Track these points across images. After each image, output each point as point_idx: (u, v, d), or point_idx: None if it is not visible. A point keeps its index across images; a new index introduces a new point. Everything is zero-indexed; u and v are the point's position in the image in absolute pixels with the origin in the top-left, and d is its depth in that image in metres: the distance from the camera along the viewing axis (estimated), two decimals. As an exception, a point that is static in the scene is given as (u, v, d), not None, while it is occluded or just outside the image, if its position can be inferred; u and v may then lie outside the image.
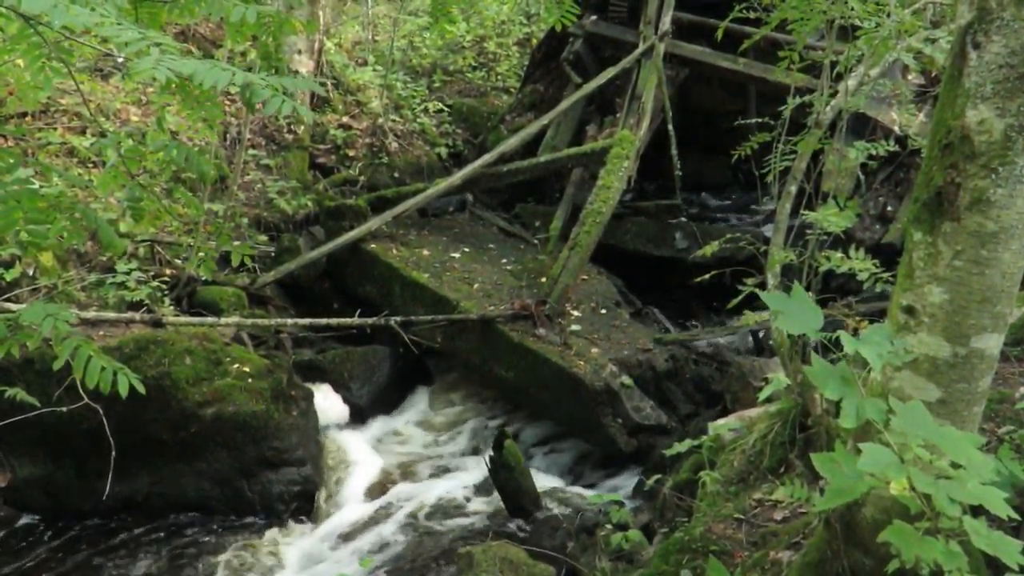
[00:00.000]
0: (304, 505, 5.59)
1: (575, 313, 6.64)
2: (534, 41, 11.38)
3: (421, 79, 10.80)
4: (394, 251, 7.30)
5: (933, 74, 6.46)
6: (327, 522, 5.54)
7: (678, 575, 3.11)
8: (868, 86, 4.28)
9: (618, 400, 5.83)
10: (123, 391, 2.68)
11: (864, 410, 1.64)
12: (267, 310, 6.91)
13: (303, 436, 5.71)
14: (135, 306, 5.89)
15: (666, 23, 7.99)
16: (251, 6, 2.55)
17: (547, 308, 6.38)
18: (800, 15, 3.79)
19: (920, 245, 2.00)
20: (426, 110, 9.80)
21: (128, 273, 5.98)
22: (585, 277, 7.21)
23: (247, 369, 5.56)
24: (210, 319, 5.98)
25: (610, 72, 8.08)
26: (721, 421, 4.54)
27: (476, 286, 6.88)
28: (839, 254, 3.67)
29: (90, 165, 6.51)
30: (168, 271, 6.38)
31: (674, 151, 8.15)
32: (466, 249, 7.58)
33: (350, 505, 5.68)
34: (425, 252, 7.39)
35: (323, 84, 8.80)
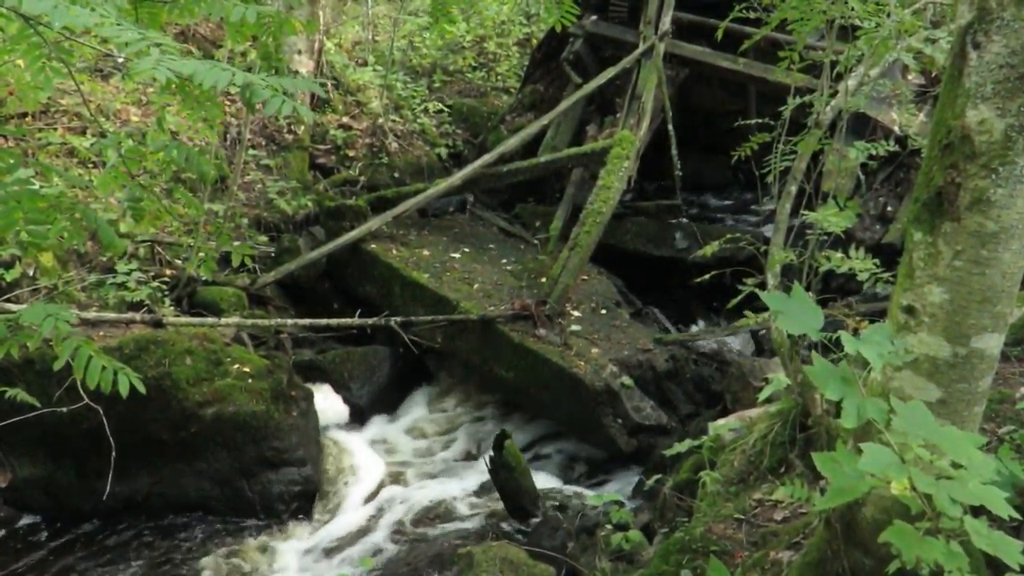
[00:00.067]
0: (304, 505, 5.59)
1: (575, 313, 6.64)
2: (534, 41, 11.38)
3: (421, 79, 10.80)
4: (394, 251, 7.30)
5: (933, 74, 6.46)
6: (327, 522, 5.54)
7: (678, 575, 3.11)
8: (868, 86, 4.28)
9: (618, 400, 5.83)
10: (124, 391, 2.68)
11: (865, 410, 1.64)
12: (267, 310, 6.91)
13: (303, 436, 5.71)
14: (135, 306, 5.89)
15: (666, 23, 7.99)
16: (251, 6, 2.55)
17: (547, 308, 6.38)
18: (800, 15, 3.78)
19: (920, 245, 2.00)
20: (426, 110, 9.80)
21: (128, 273, 5.98)
22: (585, 277, 7.21)
23: (247, 369, 5.56)
24: (210, 319, 5.98)
25: (610, 72, 8.09)
26: (721, 421, 4.54)
27: (476, 286, 6.88)
28: (839, 254, 3.67)
29: (90, 165, 6.51)
30: (168, 271, 6.38)
31: (674, 151, 8.15)
32: (466, 249, 7.58)
33: (350, 505, 5.68)
34: (425, 252, 7.39)
35: (323, 84, 8.80)
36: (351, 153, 8.79)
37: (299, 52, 8.55)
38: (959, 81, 1.87)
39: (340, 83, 9.34)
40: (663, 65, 7.96)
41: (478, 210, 8.57)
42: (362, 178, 8.59)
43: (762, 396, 3.68)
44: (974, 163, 1.85)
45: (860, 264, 3.57)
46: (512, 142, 7.96)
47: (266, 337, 6.54)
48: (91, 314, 5.55)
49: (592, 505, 5.20)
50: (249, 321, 6.20)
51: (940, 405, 2.02)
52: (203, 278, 6.30)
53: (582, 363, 5.97)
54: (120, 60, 6.61)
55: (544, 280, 6.84)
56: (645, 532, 4.34)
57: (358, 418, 6.53)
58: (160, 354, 5.34)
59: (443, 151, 9.50)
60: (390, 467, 6.14)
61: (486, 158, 7.82)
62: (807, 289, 3.18)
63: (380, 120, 9.08)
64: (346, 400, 6.49)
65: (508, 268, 7.33)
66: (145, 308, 5.90)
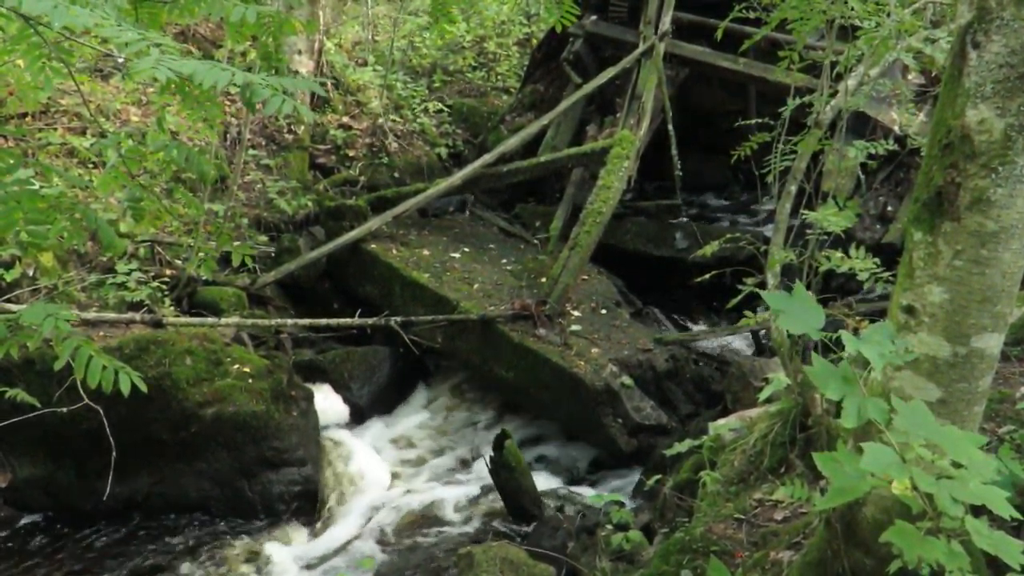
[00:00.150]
0: (304, 505, 5.59)
1: (575, 313, 6.64)
2: (534, 41, 11.38)
3: (421, 79, 10.80)
4: (394, 251, 7.30)
5: (933, 74, 6.46)
6: (327, 522, 5.54)
7: (678, 575, 3.11)
8: (868, 86, 4.28)
9: (618, 400, 5.83)
10: (125, 389, 2.68)
11: (866, 410, 1.63)
12: (267, 310, 6.91)
13: (303, 436, 5.71)
14: (135, 306, 5.89)
15: (666, 23, 7.99)
16: (251, 6, 2.55)
17: (547, 308, 6.38)
18: (800, 15, 3.78)
19: (920, 245, 2.00)
20: (426, 110, 9.80)
21: (128, 274, 5.98)
22: (585, 277, 7.21)
23: (247, 369, 5.56)
24: (210, 319, 5.98)
25: (610, 72, 8.09)
26: (721, 421, 4.54)
27: (476, 286, 6.88)
28: (839, 254, 3.67)
29: (90, 165, 6.51)
30: (168, 271, 6.38)
31: (674, 151, 8.15)
32: (466, 249, 7.58)
33: (351, 505, 5.68)
34: (425, 252, 7.39)
35: (323, 84, 8.80)
36: (351, 153, 8.79)
37: (299, 52, 8.55)
38: (959, 81, 1.87)
39: (340, 83, 9.34)
40: (663, 65, 7.96)
41: (478, 210, 8.57)
42: (362, 178, 8.59)
43: (762, 396, 3.68)
44: (974, 163, 1.85)
45: (860, 264, 3.57)
46: (512, 142, 7.96)
47: (266, 337, 6.54)
48: (91, 314, 5.55)
49: (592, 505, 5.20)
50: (249, 321, 6.20)
51: (940, 405, 2.02)
52: (203, 278, 6.30)
53: (582, 363, 5.97)
54: (120, 60, 6.61)
55: (544, 280, 6.84)
56: (645, 532, 4.34)
57: (358, 418, 6.53)
58: (160, 354, 5.34)
59: (443, 151, 9.50)
60: (390, 467, 6.14)
61: (486, 158, 7.82)
62: (807, 289, 3.18)
63: (380, 120, 9.08)
64: (346, 400, 6.49)
65: (508, 268, 7.33)
66: (145, 308, 5.90)
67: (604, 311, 6.81)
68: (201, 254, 6.02)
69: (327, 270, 7.47)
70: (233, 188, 7.01)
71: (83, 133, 6.69)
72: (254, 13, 2.51)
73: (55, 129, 6.58)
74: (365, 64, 10.41)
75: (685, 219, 8.58)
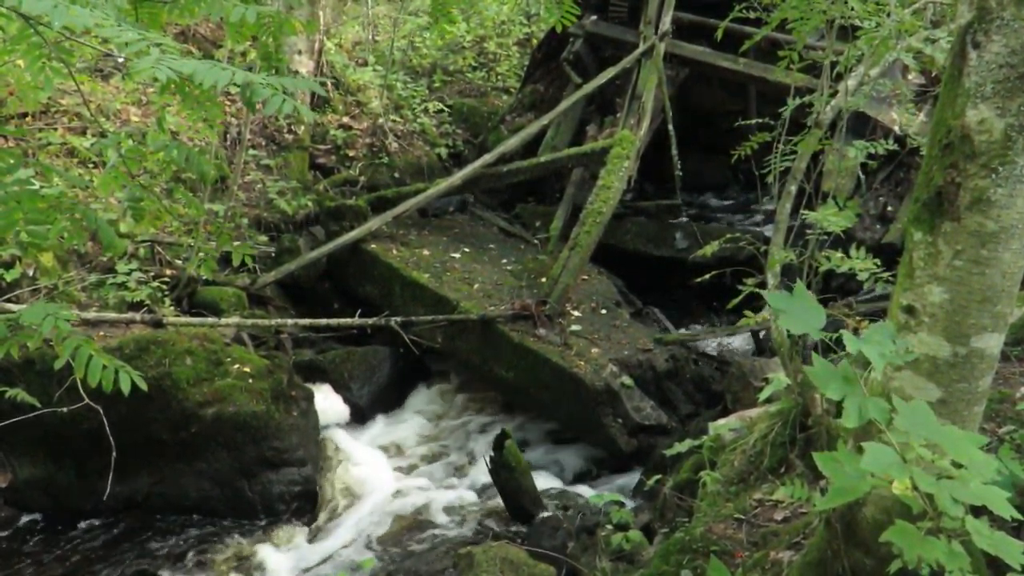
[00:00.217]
0: (304, 505, 5.59)
1: (575, 313, 6.64)
2: (534, 41, 11.38)
3: (421, 79, 10.80)
4: (394, 251, 7.31)
5: (933, 74, 6.46)
6: (327, 522, 5.54)
7: (678, 575, 3.11)
8: (868, 86, 4.27)
9: (618, 400, 5.83)
10: (125, 389, 2.68)
11: (867, 410, 1.63)
12: (267, 310, 6.91)
13: (303, 436, 5.71)
14: (135, 306, 5.89)
15: (666, 23, 7.99)
16: (251, 6, 2.55)
17: (547, 308, 6.38)
18: (800, 15, 3.78)
19: (920, 245, 2.00)
20: (426, 110, 9.80)
21: (128, 274, 5.98)
22: (585, 277, 7.21)
23: (247, 369, 5.56)
24: (210, 319, 5.98)
25: (610, 72, 8.09)
26: (721, 421, 4.54)
27: (476, 286, 6.88)
28: (839, 254, 3.67)
29: (90, 165, 6.51)
30: (168, 271, 6.38)
31: (674, 151, 8.15)
32: (466, 249, 7.58)
33: (350, 505, 5.68)
34: (425, 252, 7.39)
35: (323, 84, 8.80)
36: (351, 153, 8.79)
37: (299, 52, 8.55)
38: (959, 81, 1.87)
39: (340, 83, 9.34)
40: (663, 65, 7.96)
41: (478, 210, 8.57)
42: (362, 178, 8.59)
43: (762, 396, 3.68)
44: (974, 163, 1.85)
45: (860, 264, 3.57)
46: (512, 142, 7.96)
47: (266, 337, 6.54)
48: (91, 314, 5.55)
49: (592, 505, 5.21)
50: (249, 321, 6.20)
51: (940, 405, 2.02)
52: (203, 278, 6.30)
53: (582, 363, 5.97)
54: (120, 60, 6.61)
55: (544, 280, 6.84)
56: (645, 532, 4.34)
57: (358, 418, 6.53)
58: (160, 354, 5.34)
59: (443, 151, 9.50)
60: (390, 467, 6.13)
61: (486, 158, 7.82)
62: (807, 289, 3.17)
63: (380, 120, 9.08)
64: (346, 400, 6.49)
65: (508, 268, 7.33)
66: (145, 308, 5.90)
67: (604, 311, 6.81)
68: (201, 254, 6.02)
69: (327, 270, 7.47)
70: (233, 188, 7.01)
71: (83, 133, 6.69)
72: (254, 13, 2.51)
73: (55, 129, 6.58)
74: (365, 64, 10.41)
75: (685, 219, 8.58)
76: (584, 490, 5.75)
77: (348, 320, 6.52)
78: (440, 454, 6.36)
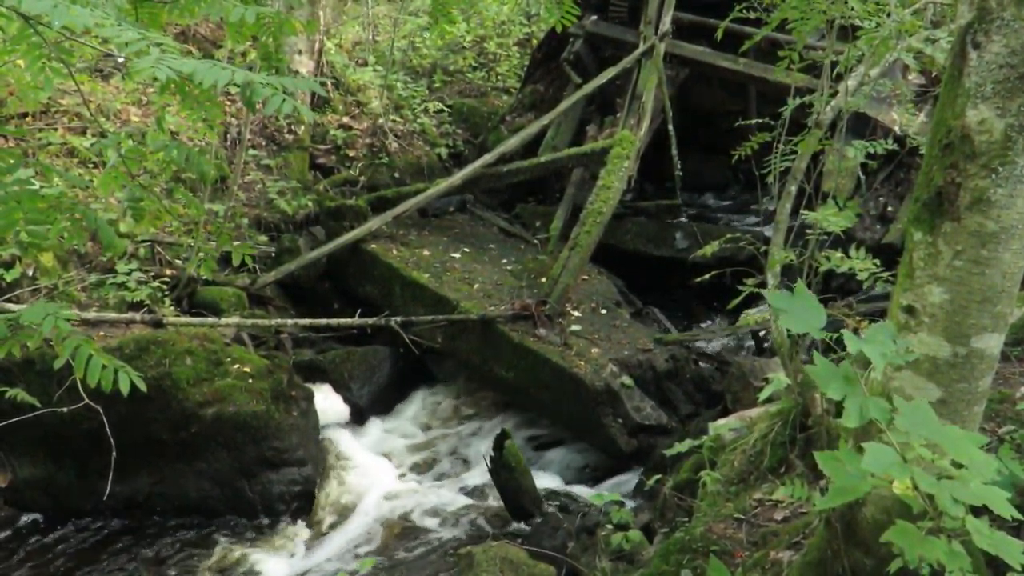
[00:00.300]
0: (304, 505, 5.59)
1: (575, 313, 6.64)
2: (534, 41, 11.38)
3: (421, 79, 10.80)
4: (394, 251, 7.31)
5: (933, 74, 6.46)
6: (327, 522, 5.54)
7: (679, 575, 3.11)
8: (868, 86, 4.27)
9: (618, 400, 5.83)
10: (124, 389, 2.67)
11: (867, 409, 1.63)
12: (267, 310, 6.91)
13: (303, 436, 5.71)
14: (136, 306, 5.89)
15: (666, 23, 7.99)
16: (251, 7, 2.55)
17: (547, 308, 6.38)
18: (800, 15, 3.78)
19: (920, 245, 2.00)
20: (426, 110, 9.80)
21: (128, 273, 5.98)
22: (585, 277, 7.21)
23: (247, 369, 5.56)
24: (210, 319, 5.98)
25: (610, 72, 8.09)
26: (721, 421, 4.54)
27: (476, 286, 6.88)
28: (839, 254, 3.67)
29: (90, 165, 6.51)
30: (168, 271, 6.38)
31: (674, 151, 8.15)
32: (466, 249, 7.58)
33: (350, 505, 5.68)
34: (425, 252, 7.39)
35: (323, 84, 8.80)
36: (351, 153, 8.79)
37: (299, 52, 8.55)
38: (959, 81, 1.87)
39: (340, 83, 9.34)
40: (663, 65, 7.96)
41: (478, 210, 8.57)
42: (362, 178, 8.59)
43: (762, 396, 3.68)
44: (974, 163, 1.85)
45: (860, 264, 3.57)
46: (512, 142, 7.96)
47: (266, 337, 6.54)
48: (91, 314, 5.55)
49: (592, 505, 5.20)
50: (249, 321, 6.20)
51: (940, 405, 2.02)
52: (203, 278, 6.30)
53: (582, 363, 5.97)
54: (120, 60, 6.61)
55: (544, 280, 6.84)
56: (645, 532, 4.34)
57: (358, 418, 6.53)
58: (160, 354, 5.34)
59: (443, 151, 9.50)
60: (390, 467, 6.14)
61: (486, 158, 7.82)
62: (807, 289, 3.17)
63: (380, 120, 9.08)
64: (346, 400, 6.49)
65: (508, 268, 7.33)
66: (145, 308, 5.90)
67: (604, 311, 6.81)
68: (201, 254, 6.03)
69: (327, 270, 7.47)
70: (233, 188, 7.01)
71: (83, 133, 6.69)
72: (254, 13, 2.51)
73: (55, 129, 6.58)
74: (365, 64, 10.41)
75: (685, 219, 8.58)
76: (584, 490, 5.75)
77: (348, 320, 6.52)
78: (440, 454, 6.36)
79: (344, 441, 6.26)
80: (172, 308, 6.09)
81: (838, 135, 4.24)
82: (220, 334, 5.82)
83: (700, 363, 6.64)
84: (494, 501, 5.58)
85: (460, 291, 6.76)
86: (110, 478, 4.11)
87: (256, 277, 6.92)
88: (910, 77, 7.02)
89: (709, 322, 7.74)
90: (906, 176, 7.11)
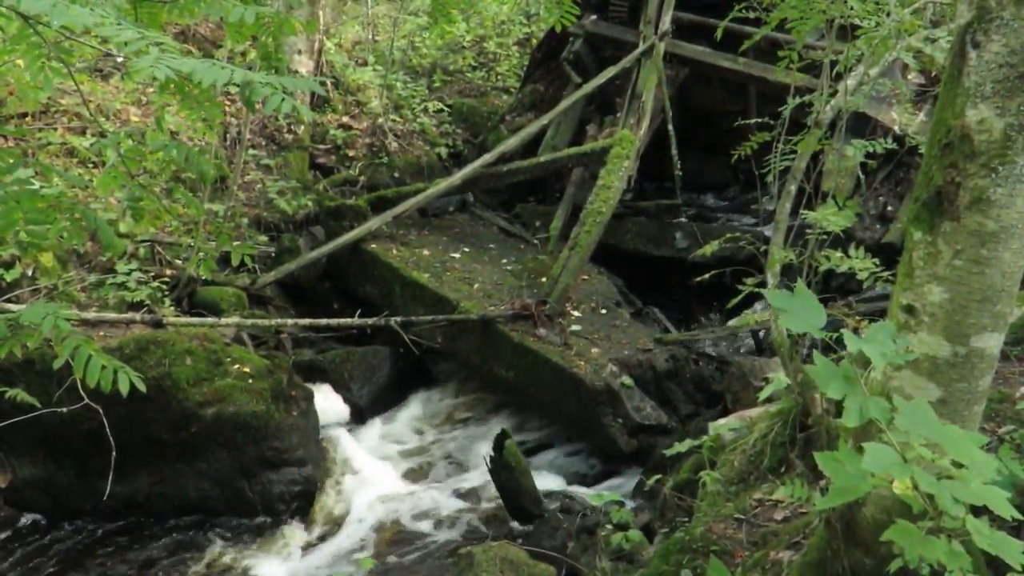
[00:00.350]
0: (304, 505, 5.59)
1: (575, 313, 6.64)
2: (534, 41, 11.38)
3: (421, 79, 10.80)
4: (394, 251, 7.30)
5: (933, 74, 6.46)
6: (327, 522, 5.54)
7: (679, 575, 3.11)
8: (868, 86, 4.27)
9: (618, 400, 5.83)
10: (124, 389, 2.67)
11: (868, 409, 1.63)
12: (267, 310, 6.91)
13: (303, 436, 5.71)
14: (135, 307, 5.89)
15: (666, 23, 7.99)
16: (250, 7, 2.55)
17: (547, 308, 6.38)
18: (800, 15, 3.78)
19: (920, 244, 2.00)
20: (426, 110, 9.80)
21: (128, 274, 5.98)
22: (585, 277, 7.21)
23: (247, 369, 5.56)
24: (210, 319, 5.98)
25: (610, 72, 8.09)
26: (721, 421, 4.54)
27: (476, 286, 6.88)
28: (839, 254, 3.67)
29: (90, 165, 6.51)
30: (168, 271, 6.38)
31: (674, 151, 8.15)
32: (466, 249, 7.58)
33: (350, 505, 5.68)
34: (425, 252, 7.39)
35: (323, 84, 8.80)
36: (351, 153, 8.79)
37: (299, 52, 8.55)
38: (959, 80, 1.87)
39: (340, 83, 9.34)
40: (663, 65, 7.96)
41: (478, 210, 8.57)
42: (362, 178, 8.58)
43: (762, 396, 3.68)
44: (974, 162, 1.85)
45: (860, 263, 3.56)
46: (512, 142, 7.96)
47: (266, 337, 6.54)
48: (91, 314, 5.55)
49: (592, 505, 5.19)
50: (249, 321, 6.20)
51: (940, 404, 2.02)
52: (203, 278, 6.30)
53: (582, 363, 5.97)
54: (120, 60, 6.61)
55: (544, 280, 6.84)
56: (645, 532, 4.34)
57: (358, 418, 6.53)
58: (160, 354, 5.33)
59: (443, 151, 9.50)
60: (390, 467, 6.13)
61: (486, 158, 7.82)
62: (807, 288, 3.17)
63: (380, 120, 9.07)
64: (346, 400, 6.49)
65: (508, 268, 7.33)
66: (145, 308, 5.89)
67: (604, 311, 6.81)
68: (201, 254, 6.02)
69: (327, 270, 7.47)
70: (233, 188, 7.00)
71: (83, 133, 6.69)
72: (253, 13, 2.51)
73: (55, 129, 6.58)
74: (365, 64, 10.41)
75: (685, 219, 8.58)
76: (584, 490, 5.75)
77: (348, 320, 6.52)
78: (440, 454, 6.36)
79: (344, 441, 6.26)
80: (172, 308, 6.09)
81: (838, 134, 4.24)
82: (220, 334, 5.81)
83: (700, 363, 6.64)
84: (494, 501, 5.57)
85: (460, 291, 6.76)
86: (110, 478, 4.11)
87: (256, 277, 6.92)
88: (910, 77, 7.02)
89: (709, 322, 7.73)
90: (906, 176, 7.11)
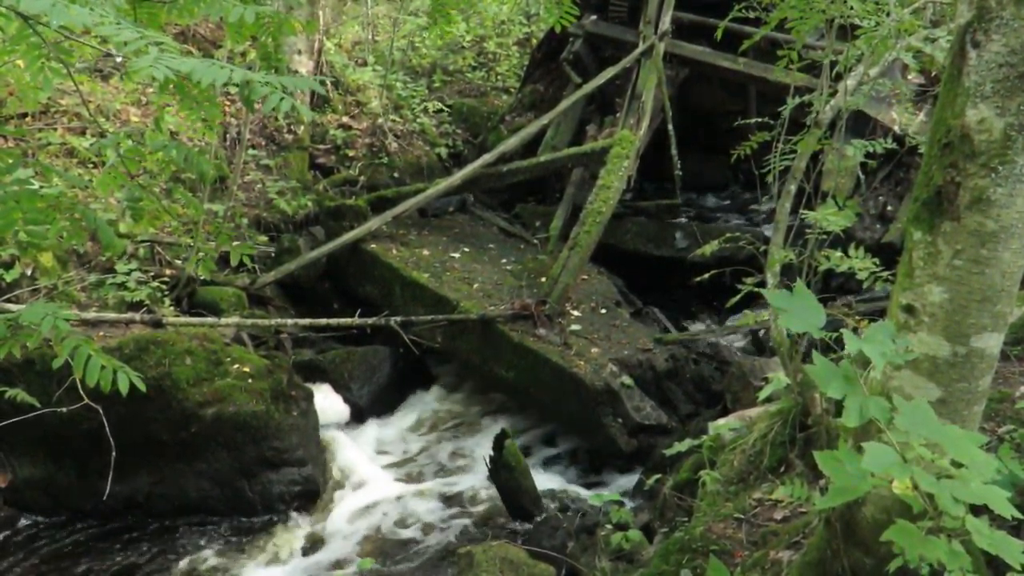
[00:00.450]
0: (305, 505, 5.59)
1: (575, 313, 6.64)
2: (534, 41, 11.38)
3: (421, 79, 10.80)
4: (394, 251, 7.30)
5: (933, 73, 6.46)
6: (327, 522, 5.53)
7: (678, 575, 3.11)
8: (868, 85, 4.27)
9: (618, 400, 5.83)
10: (123, 389, 2.67)
11: (867, 409, 1.63)
12: (267, 310, 6.91)
13: (303, 436, 5.71)
14: (135, 306, 5.89)
15: (666, 23, 7.99)
16: (250, 6, 2.55)
17: (547, 308, 6.38)
18: (799, 14, 3.78)
19: (920, 244, 2.00)
20: (426, 110, 9.80)
21: (128, 273, 5.98)
22: (585, 277, 7.21)
23: (247, 369, 5.56)
24: (210, 319, 5.98)
25: (610, 72, 8.09)
26: (721, 421, 4.54)
27: (476, 286, 6.88)
28: (839, 253, 3.67)
29: (90, 165, 6.51)
30: (168, 271, 6.38)
31: (674, 151, 8.15)
32: (466, 249, 7.58)
33: (350, 505, 5.68)
34: (425, 252, 7.39)
35: (323, 84, 8.80)
36: (351, 153, 8.79)
37: (299, 52, 8.56)
38: (959, 80, 1.87)
39: (340, 83, 9.34)
40: (663, 65, 7.96)
41: (478, 210, 8.57)
42: (362, 178, 8.59)
43: (762, 396, 3.69)
44: (974, 162, 1.85)
45: (860, 263, 3.57)
46: (512, 142, 7.96)
47: (266, 337, 6.54)
48: (91, 314, 5.55)
49: (592, 505, 5.20)
50: (249, 321, 6.20)
51: (940, 404, 2.01)
52: (202, 278, 6.30)
53: (582, 363, 5.97)
54: (119, 60, 6.61)
55: (544, 280, 6.84)
56: (645, 532, 4.34)
57: (358, 418, 6.53)
58: (160, 354, 5.33)
59: (443, 151, 9.50)
60: (390, 467, 6.14)
61: (486, 158, 7.82)
62: (807, 288, 3.17)
63: (380, 120, 9.08)
64: (346, 400, 6.49)
65: (508, 268, 7.33)
66: (145, 308, 5.89)
67: (604, 311, 6.81)
68: (200, 254, 6.02)
69: (327, 270, 7.47)
70: (233, 188, 7.01)
71: (83, 133, 6.69)
72: (253, 13, 2.51)
73: (55, 129, 6.58)
74: (365, 64, 10.41)
75: (685, 219, 8.58)
76: (584, 490, 5.75)
77: (348, 320, 6.52)
78: (440, 454, 6.36)
79: (344, 441, 6.26)
80: (172, 308, 6.09)
81: (837, 134, 4.24)
82: (220, 334, 5.81)
83: (700, 363, 6.63)
84: (494, 501, 5.57)
85: (460, 291, 6.76)
86: (110, 478, 4.11)
87: (256, 277, 6.92)
88: (909, 76, 7.02)
89: (709, 322, 7.74)
90: (906, 175, 7.11)
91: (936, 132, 1.94)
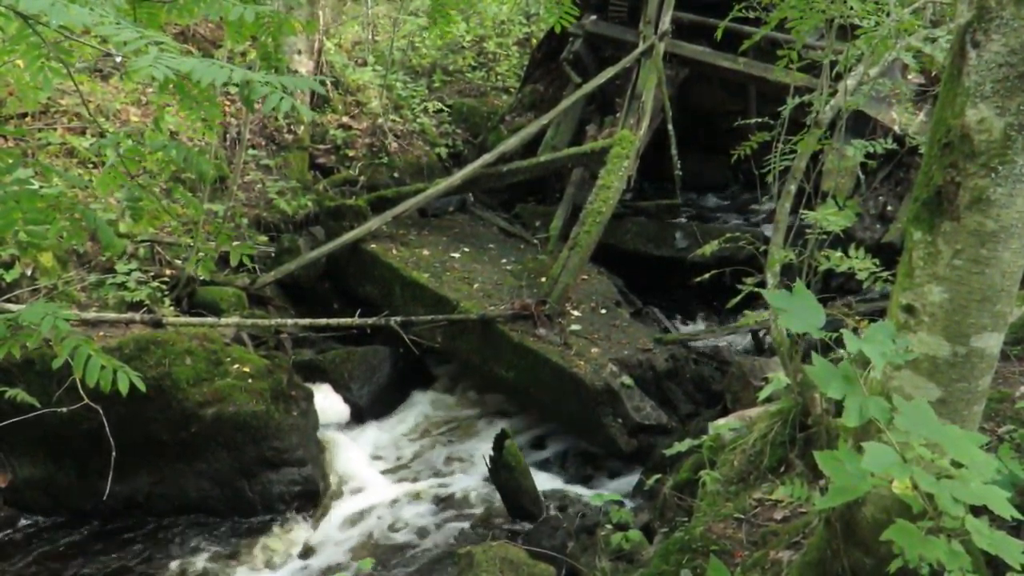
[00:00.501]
0: (304, 505, 5.59)
1: (575, 313, 6.64)
2: (534, 41, 11.39)
3: (421, 79, 10.80)
4: (394, 251, 7.30)
5: (933, 73, 6.46)
6: (327, 522, 5.53)
7: (678, 575, 3.11)
8: (868, 85, 4.27)
9: (618, 400, 5.83)
10: (123, 388, 2.67)
11: (867, 409, 1.63)
12: (267, 310, 6.91)
13: (303, 436, 5.71)
14: (135, 307, 5.89)
15: (666, 23, 7.99)
16: (250, 6, 2.55)
17: (547, 308, 6.38)
18: (799, 14, 3.78)
19: (920, 244, 2.00)
20: (426, 110, 9.80)
21: (128, 273, 5.98)
22: (585, 277, 7.21)
23: (247, 369, 5.56)
24: (210, 319, 5.98)
25: (610, 72, 8.09)
26: (721, 421, 4.54)
27: (476, 286, 6.88)
28: (839, 253, 3.67)
29: (90, 165, 6.50)
30: (168, 271, 6.38)
31: (674, 151, 8.15)
32: (466, 249, 7.58)
33: (350, 505, 5.68)
34: (425, 252, 7.39)
35: (323, 84, 8.79)
36: (351, 153, 8.79)
37: (299, 52, 8.55)
38: (958, 80, 1.87)
39: (340, 83, 9.34)
40: (663, 65, 7.96)
41: (478, 210, 8.57)
42: (362, 178, 8.59)
43: (762, 395, 3.68)
44: (974, 162, 1.85)
45: (860, 263, 3.56)
46: (512, 142, 7.96)
47: (266, 337, 6.54)
48: (91, 314, 5.55)
49: (592, 505, 5.20)
50: (249, 321, 6.20)
51: (940, 404, 2.01)
52: (202, 278, 6.30)
53: (582, 363, 5.97)
54: (119, 60, 6.61)
55: (544, 280, 6.84)
56: (645, 532, 4.34)
57: (358, 418, 6.53)
58: (160, 354, 5.33)
59: (443, 151, 9.50)
60: (390, 467, 6.14)
61: (486, 158, 7.82)
62: (807, 288, 3.17)
63: (380, 120, 9.08)
64: (346, 400, 6.49)
65: (508, 268, 7.33)
66: (145, 308, 5.89)
67: (604, 311, 6.81)
68: (200, 254, 6.02)
69: (327, 270, 7.47)
70: (233, 188, 7.00)
71: (83, 133, 6.69)
72: (253, 13, 2.51)
73: (55, 129, 6.58)
74: (365, 64, 10.41)
75: (685, 219, 8.58)
76: (584, 490, 5.75)
77: (348, 320, 6.52)
78: (440, 454, 6.36)
79: (344, 441, 6.25)
80: (172, 308, 6.09)
81: (837, 134, 4.24)
82: (220, 334, 5.81)
83: (700, 363, 6.64)
84: (494, 501, 5.57)
85: (460, 291, 6.76)
86: (110, 478, 4.11)
87: (256, 277, 6.92)
88: (909, 76, 7.02)
89: (709, 322, 7.74)
90: (906, 175, 7.11)
91: (936, 132, 1.94)
